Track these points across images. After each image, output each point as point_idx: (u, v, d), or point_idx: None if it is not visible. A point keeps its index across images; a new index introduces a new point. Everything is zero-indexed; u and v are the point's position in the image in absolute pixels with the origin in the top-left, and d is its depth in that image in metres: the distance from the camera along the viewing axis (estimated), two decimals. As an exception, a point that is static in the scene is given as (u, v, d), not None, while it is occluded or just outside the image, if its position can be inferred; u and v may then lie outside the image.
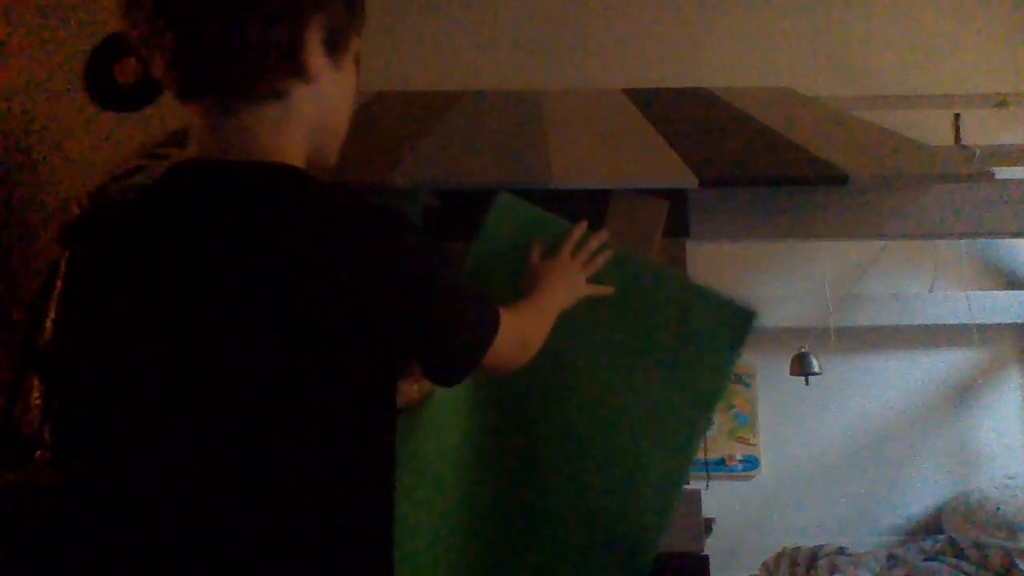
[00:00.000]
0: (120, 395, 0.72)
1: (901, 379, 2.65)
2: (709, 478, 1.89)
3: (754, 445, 2.64)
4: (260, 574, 0.69)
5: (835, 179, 1.23)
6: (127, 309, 0.73)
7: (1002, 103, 2.39)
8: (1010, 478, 2.49)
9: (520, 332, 0.95)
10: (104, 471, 0.73)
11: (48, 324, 2.22)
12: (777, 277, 2.66)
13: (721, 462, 2.59)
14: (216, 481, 0.69)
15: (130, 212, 0.78)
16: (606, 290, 1.17)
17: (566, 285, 1.12)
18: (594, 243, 1.17)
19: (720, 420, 2.61)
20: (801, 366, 2.39)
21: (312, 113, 0.78)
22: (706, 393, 1.17)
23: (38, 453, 2.12)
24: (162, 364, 0.70)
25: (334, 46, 0.78)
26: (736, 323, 1.18)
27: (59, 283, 2.23)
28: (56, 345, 1.17)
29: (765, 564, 2.30)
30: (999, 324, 2.59)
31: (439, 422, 1.12)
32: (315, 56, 0.76)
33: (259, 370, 0.69)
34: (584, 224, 1.19)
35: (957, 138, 2.37)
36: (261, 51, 0.72)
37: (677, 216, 1.28)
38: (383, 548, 0.77)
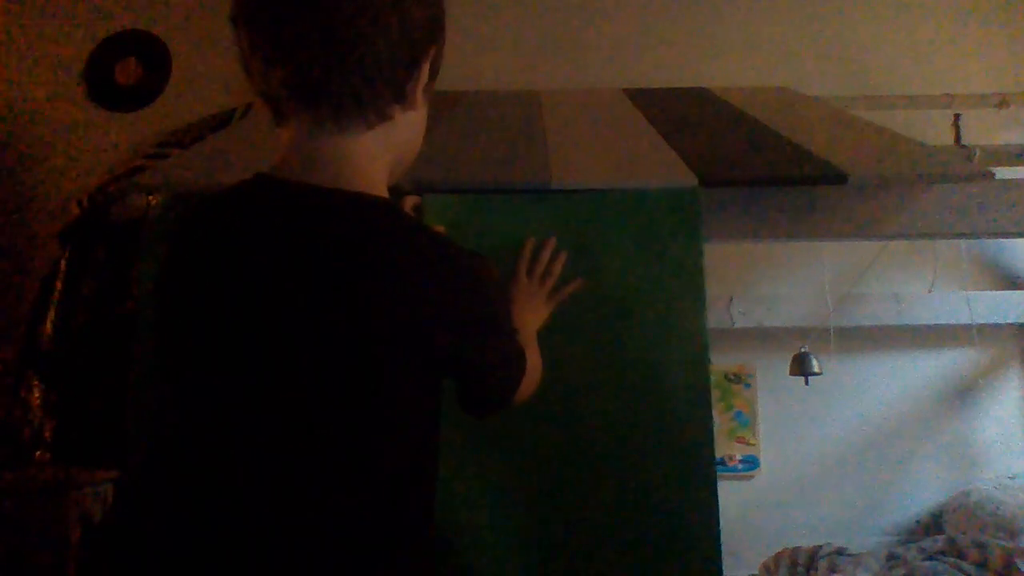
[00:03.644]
0: (192, 394, 0.76)
1: (901, 379, 2.65)
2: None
3: (754, 445, 2.64)
4: (316, 554, 0.72)
5: (835, 179, 1.23)
6: (212, 311, 0.75)
7: (1002, 103, 2.39)
8: (1010, 478, 2.49)
9: (532, 370, 0.98)
10: (174, 461, 0.75)
11: (48, 324, 2.22)
12: (777, 277, 2.66)
13: (721, 462, 2.59)
14: (284, 468, 0.72)
15: (221, 226, 0.79)
16: (575, 285, 1.18)
17: (534, 307, 1.14)
18: (546, 254, 1.18)
19: (720, 420, 2.61)
20: (801, 366, 2.39)
21: (402, 140, 0.82)
22: (690, 282, 1.19)
23: (38, 453, 2.12)
24: (239, 363, 0.73)
25: (431, 78, 0.82)
26: (684, 204, 1.20)
27: (59, 283, 2.23)
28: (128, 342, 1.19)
29: (765, 564, 2.30)
30: (999, 324, 2.59)
31: None
32: (420, 86, 0.80)
33: (329, 375, 0.72)
34: (532, 240, 1.19)
35: (957, 138, 2.37)
36: (387, 71, 0.75)
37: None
38: (425, 532, 0.81)
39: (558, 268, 1.18)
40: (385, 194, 0.81)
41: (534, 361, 1.03)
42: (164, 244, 0.82)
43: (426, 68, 0.80)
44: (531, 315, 1.13)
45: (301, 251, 0.74)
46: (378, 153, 0.80)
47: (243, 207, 0.78)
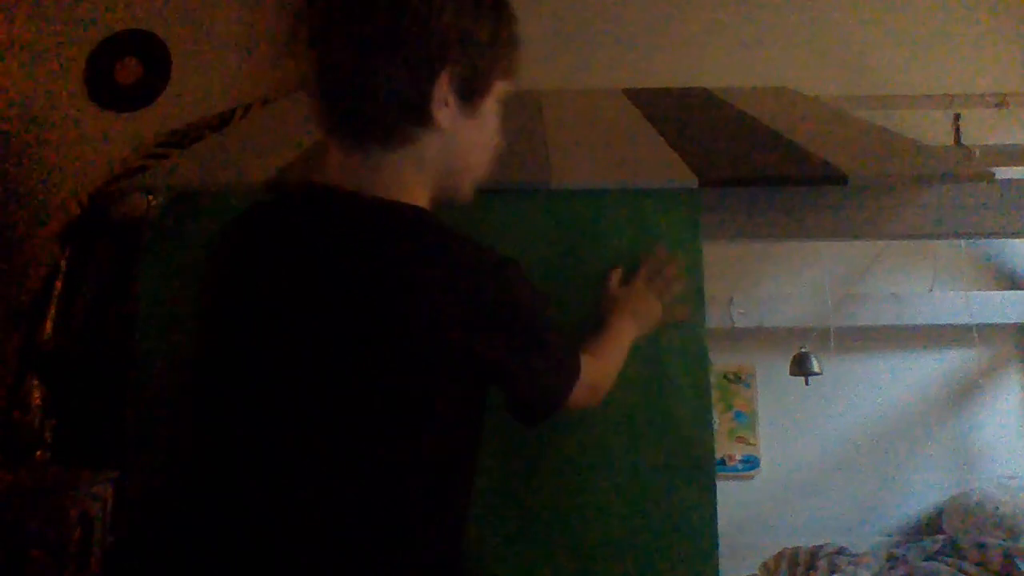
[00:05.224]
0: (235, 394, 0.79)
1: (901, 379, 2.65)
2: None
3: (754, 445, 2.64)
4: (348, 553, 0.74)
5: (835, 179, 1.23)
6: (251, 315, 0.80)
7: (1002, 103, 2.39)
8: (1010, 478, 2.49)
9: (595, 377, 0.98)
10: (217, 470, 0.78)
11: (48, 324, 2.22)
12: (777, 277, 2.66)
13: (721, 462, 2.59)
14: (322, 478, 0.75)
15: (266, 228, 0.85)
16: (684, 314, 1.17)
17: (646, 314, 1.13)
18: (671, 269, 1.16)
19: (720, 420, 2.61)
20: (801, 366, 2.39)
21: (440, 158, 0.85)
22: (690, 281, 1.18)
23: (38, 453, 2.12)
24: (281, 367, 0.77)
25: (469, 94, 0.83)
26: (683, 204, 1.20)
27: (59, 283, 2.23)
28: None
29: (765, 564, 2.30)
30: (999, 324, 2.59)
31: None
32: (444, 107, 0.81)
33: (369, 379, 0.75)
34: (663, 251, 1.18)
35: (957, 138, 2.37)
36: (389, 103, 0.80)
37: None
38: (456, 539, 0.83)
39: (677, 286, 1.16)
40: (424, 203, 0.84)
41: (604, 367, 1.02)
42: (215, 250, 0.87)
43: (444, 90, 0.80)
44: (643, 320, 1.12)
45: (338, 260, 0.77)
46: (408, 169, 0.83)
47: (291, 214, 0.84)
